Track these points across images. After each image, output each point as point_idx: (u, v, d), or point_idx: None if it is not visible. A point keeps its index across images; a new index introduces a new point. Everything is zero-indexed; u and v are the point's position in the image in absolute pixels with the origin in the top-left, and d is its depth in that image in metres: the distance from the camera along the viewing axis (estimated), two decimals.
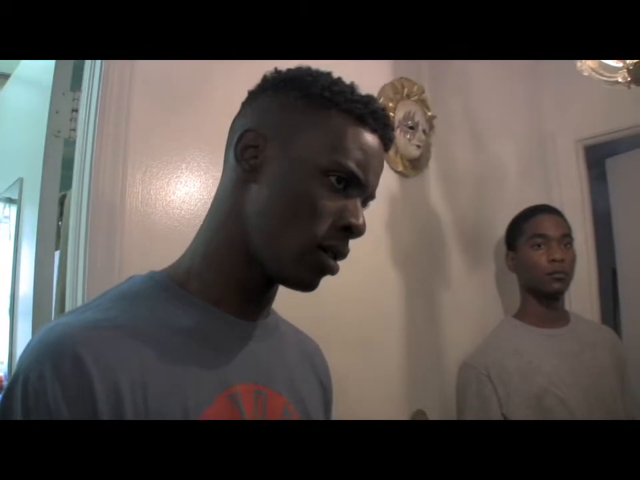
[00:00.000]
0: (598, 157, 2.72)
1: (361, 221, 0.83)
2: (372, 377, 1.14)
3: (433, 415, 1.79)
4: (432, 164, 1.93)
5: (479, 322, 2.02)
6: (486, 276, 2.18)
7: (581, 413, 1.73)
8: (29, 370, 0.69)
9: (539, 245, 1.87)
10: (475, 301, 2.08)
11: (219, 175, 0.90)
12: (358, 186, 0.83)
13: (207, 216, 0.88)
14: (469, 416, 1.79)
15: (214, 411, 0.78)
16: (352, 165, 0.81)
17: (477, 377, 1.80)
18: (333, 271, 0.85)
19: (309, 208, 0.81)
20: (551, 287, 1.85)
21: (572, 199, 2.41)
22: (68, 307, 1.13)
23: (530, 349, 1.83)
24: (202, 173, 1.20)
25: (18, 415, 0.68)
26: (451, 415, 1.86)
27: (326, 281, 0.90)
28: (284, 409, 0.90)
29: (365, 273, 1.53)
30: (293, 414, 0.91)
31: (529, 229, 1.90)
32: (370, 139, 0.83)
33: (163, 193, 1.12)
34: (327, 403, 1.04)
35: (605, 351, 1.90)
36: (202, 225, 0.89)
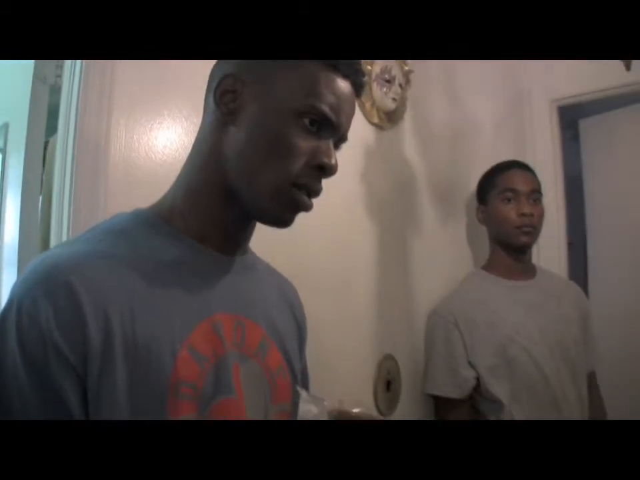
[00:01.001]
0: (572, 117, 2.79)
1: (333, 160, 0.88)
2: (343, 322, 1.21)
3: (401, 360, 1.88)
4: (407, 117, 1.98)
5: (449, 272, 2.11)
6: (457, 228, 2.26)
7: (544, 361, 1.84)
8: (22, 296, 0.73)
9: (508, 199, 1.95)
10: (446, 252, 2.16)
11: (199, 121, 0.95)
12: (330, 128, 0.88)
13: (188, 158, 0.93)
14: (436, 362, 1.90)
15: (196, 336, 0.83)
16: (325, 108, 0.86)
17: (444, 324, 1.90)
18: (307, 207, 0.90)
19: (283, 148, 0.86)
20: (518, 240, 1.94)
21: (544, 157, 2.48)
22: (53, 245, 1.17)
23: (496, 299, 1.93)
24: (183, 119, 1.24)
25: (12, 339, 0.72)
26: (419, 361, 1.96)
27: (302, 228, 0.96)
28: (262, 340, 0.95)
29: (340, 222, 1.58)
30: (270, 345, 0.96)
31: (500, 184, 1.98)
32: (342, 84, 0.87)
33: (145, 138, 1.16)
34: (301, 340, 1.09)
35: (569, 304, 2.01)
36: (183, 166, 0.93)
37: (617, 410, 2.19)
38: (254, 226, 0.96)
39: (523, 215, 1.92)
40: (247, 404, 0.89)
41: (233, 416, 0.86)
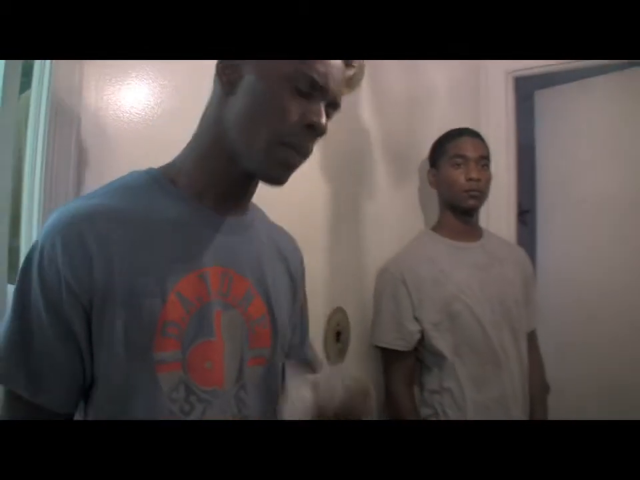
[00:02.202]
0: (528, 89, 2.87)
1: (322, 120, 0.96)
2: None
3: (351, 313, 2.00)
4: (365, 83, 2.05)
5: (400, 232, 2.21)
6: (410, 191, 2.36)
7: (486, 319, 1.97)
8: (45, 240, 0.89)
9: (458, 165, 2.05)
10: (397, 213, 2.26)
11: (165, 82, 1.05)
12: (320, 91, 0.95)
13: (197, 126, 1.03)
14: (384, 315, 2.01)
15: (184, 284, 0.95)
16: (313, 73, 0.93)
17: (392, 281, 2.01)
18: (297, 165, 0.99)
19: (274, 109, 0.94)
20: (466, 203, 2.06)
21: (498, 126, 2.58)
22: (25, 205, 1.24)
23: (443, 258, 2.05)
24: (150, 80, 1.32)
25: (35, 273, 0.88)
26: (368, 314, 2.08)
27: (260, 189, 1.05)
28: (247, 291, 1.05)
29: (296, 182, 1.69)
30: (255, 296, 1.06)
31: (451, 149, 2.09)
32: None
33: (114, 98, 1.26)
34: (295, 293, 1.19)
35: (512, 266, 2.14)
36: (194, 133, 1.04)
37: (556, 367, 2.43)
38: (254, 186, 1.07)
39: (471, 179, 2.04)
40: (225, 346, 1.00)
41: (210, 355, 0.97)
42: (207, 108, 1.03)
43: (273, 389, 1.09)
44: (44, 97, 1.20)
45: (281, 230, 1.21)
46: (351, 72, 1.74)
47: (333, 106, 1.00)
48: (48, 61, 1.20)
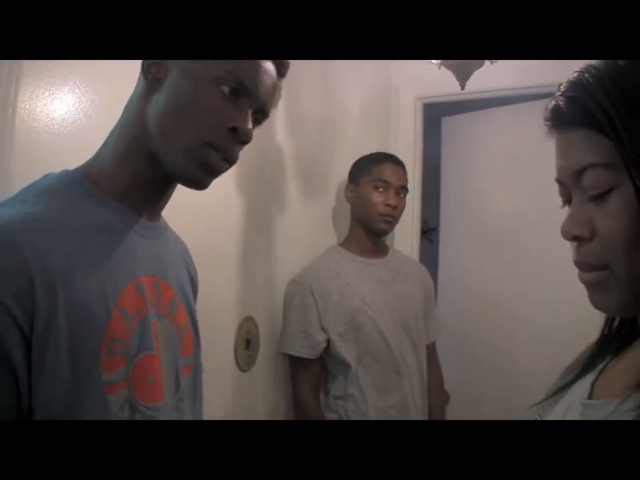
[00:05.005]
0: (436, 114, 3.07)
1: (247, 125, 0.94)
2: (209, 286, 1.38)
3: (260, 322, 2.13)
4: (281, 103, 2.19)
5: (310, 246, 2.36)
6: (320, 207, 2.50)
7: (388, 331, 2.18)
8: None
9: (378, 188, 2.23)
10: (308, 227, 2.40)
11: (95, 97, 1.11)
12: (248, 97, 0.94)
13: (117, 122, 1.00)
14: (292, 324, 2.16)
15: (125, 297, 0.91)
16: (242, 75, 0.92)
17: (301, 292, 2.16)
18: (220, 169, 0.96)
19: (198, 109, 0.92)
20: (379, 226, 2.26)
21: (406, 148, 2.76)
22: None
23: (349, 273, 2.22)
24: (80, 94, 1.41)
25: None
26: (277, 323, 2.21)
27: (177, 204, 1.07)
28: (172, 299, 1.05)
29: (211, 196, 1.79)
30: (179, 304, 1.06)
31: (375, 172, 2.26)
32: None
33: (47, 110, 1.35)
34: (195, 294, 1.20)
35: (414, 282, 2.36)
36: (113, 129, 1.00)
37: (458, 372, 2.72)
38: (172, 191, 1.04)
39: (389, 205, 2.24)
40: (162, 358, 0.98)
41: (152, 370, 0.94)
42: (130, 102, 1.00)
43: (199, 395, 1.12)
44: None
45: (176, 234, 1.18)
46: (281, 82, 1.85)
47: (261, 113, 0.99)
48: None
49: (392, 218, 2.28)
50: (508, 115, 2.97)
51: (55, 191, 0.92)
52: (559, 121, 0.70)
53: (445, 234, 3.25)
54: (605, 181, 0.64)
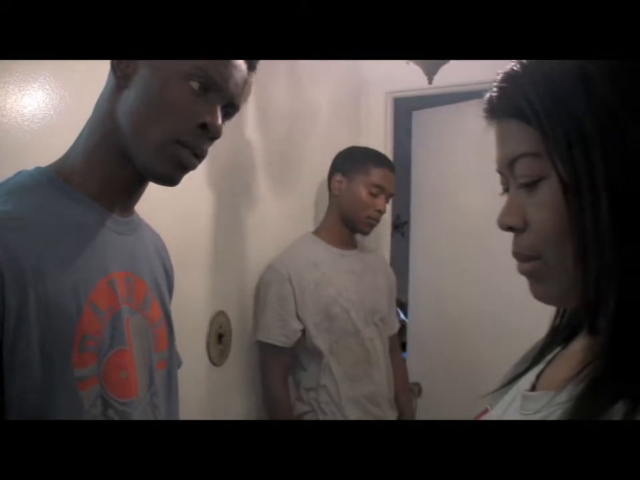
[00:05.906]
0: (406, 108, 3.09)
1: (217, 121, 0.95)
2: (181, 281, 1.40)
3: (232, 315, 2.16)
4: (251, 99, 2.19)
5: (280, 240, 2.39)
6: (290, 201, 2.53)
7: (360, 322, 2.24)
8: None
9: (373, 192, 2.28)
10: (277, 221, 2.43)
11: (65, 93, 1.11)
12: (218, 92, 0.95)
13: (88, 119, 1.01)
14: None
15: (96, 293, 0.92)
16: (211, 70, 0.92)
17: (279, 279, 2.19)
18: (190, 165, 0.98)
19: (167, 107, 0.93)
20: (365, 228, 2.33)
21: (377, 142, 2.78)
22: None
23: (325, 263, 2.27)
24: (50, 91, 1.42)
25: None
26: (249, 317, 2.25)
27: (148, 202, 1.09)
28: (146, 294, 1.06)
29: (182, 190, 1.83)
30: (152, 299, 1.08)
31: (374, 176, 2.30)
32: None
33: (17, 107, 1.38)
34: (170, 289, 1.22)
35: (381, 275, 2.45)
36: (84, 126, 1.00)
37: (425, 367, 2.80)
38: (144, 187, 1.05)
39: (379, 211, 2.31)
40: (135, 353, 0.99)
41: (124, 365, 0.96)
42: (100, 99, 1.01)
43: (174, 390, 1.14)
44: None
45: (151, 228, 1.20)
46: (252, 78, 1.87)
47: (231, 107, 1.00)
48: None
49: (376, 221, 2.35)
50: (478, 109, 2.98)
51: (27, 189, 0.93)
52: (493, 112, 0.72)
53: (415, 228, 3.28)
54: (534, 170, 0.67)
